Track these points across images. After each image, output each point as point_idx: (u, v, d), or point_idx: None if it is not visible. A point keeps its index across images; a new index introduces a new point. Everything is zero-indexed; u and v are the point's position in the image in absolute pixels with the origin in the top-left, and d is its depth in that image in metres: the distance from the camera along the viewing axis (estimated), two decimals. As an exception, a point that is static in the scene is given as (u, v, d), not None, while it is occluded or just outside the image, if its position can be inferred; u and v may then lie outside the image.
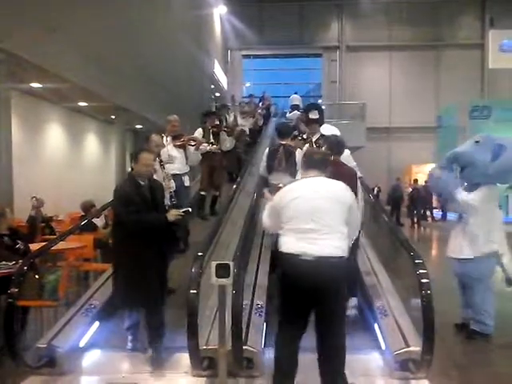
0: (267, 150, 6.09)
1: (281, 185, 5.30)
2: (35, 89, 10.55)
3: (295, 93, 17.27)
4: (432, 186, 5.79)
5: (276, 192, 3.52)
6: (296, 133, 6.97)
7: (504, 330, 4.79)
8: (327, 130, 5.96)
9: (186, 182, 6.16)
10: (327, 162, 3.55)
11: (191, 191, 7.03)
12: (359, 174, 4.94)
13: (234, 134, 9.15)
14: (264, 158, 5.99)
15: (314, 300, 3.10)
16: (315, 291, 3.06)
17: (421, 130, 24.80)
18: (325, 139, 5.29)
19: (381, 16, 26.26)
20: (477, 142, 4.79)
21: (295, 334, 3.22)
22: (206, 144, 7.33)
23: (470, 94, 23.74)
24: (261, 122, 13.04)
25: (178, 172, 5.94)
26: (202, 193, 7.92)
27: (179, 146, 6.17)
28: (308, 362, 3.28)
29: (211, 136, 7.82)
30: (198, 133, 7.61)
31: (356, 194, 4.06)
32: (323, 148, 4.94)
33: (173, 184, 5.16)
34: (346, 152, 5.01)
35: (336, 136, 5.13)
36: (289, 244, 3.15)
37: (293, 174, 5.19)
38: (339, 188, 3.32)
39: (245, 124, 11.30)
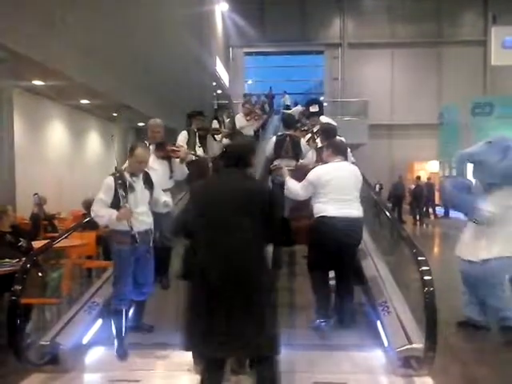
0: (274, 138, 6.69)
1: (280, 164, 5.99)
2: (37, 86, 10.55)
3: (285, 92, 18.19)
4: (446, 199, 5.64)
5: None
6: (299, 125, 7.70)
7: (507, 328, 4.77)
8: (323, 120, 6.59)
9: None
10: (346, 149, 4.82)
11: (174, 209, 6.01)
12: (352, 159, 5.64)
13: (221, 135, 8.36)
14: (272, 144, 6.58)
15: (344, 245, 4.26)
16: (348, 239, 4.28)
17: (423, 127, 24.75)
18: (319, 128, 5.91)
19: (383, 13, 26.20)
20: (489, 142, 4.75)
21: (326, 274, 4.46)
22: (193, 152, 6.62)
23: (473, 91, 23.68)
24: (260, 123, 12.39)
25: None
26: None
27: (162, 157, 5.28)
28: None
29: (197, 139, 6.92)
30: (183, 136, 6.79)
31: None
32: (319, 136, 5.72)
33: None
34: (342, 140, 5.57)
35: (328, 124, 5.83)
36: (330, 210, 4.21)
37: (298, 159, 6.17)
38: (355, 169, 4.55)
39: (247, 126, 9.64)
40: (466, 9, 26.06)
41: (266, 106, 16.05)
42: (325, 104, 20.63)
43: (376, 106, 23.56)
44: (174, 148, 5.42)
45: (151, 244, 4.23)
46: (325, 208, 4.25)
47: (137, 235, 3.94)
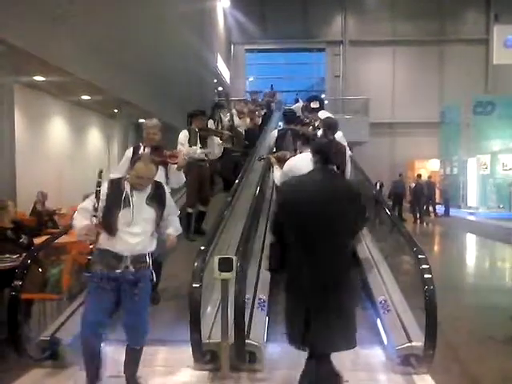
0: (276, 132, 6.97)
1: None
2: (38, 82, 10.53)
3: (271, 85, 19.13)
4: None
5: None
6: (302, 117, 7.97)
7: (506, 326, 4.79)
8: (324, 115, 6.75)
9: None
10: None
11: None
12: (349, 153, 5.83)
13: (223, 138, 7.94)
14: (273, 138, 6.86)
15: None
16: None
17: (424, 126, 24.70)
18: (321, 121, 6.14)
19: (384, 11, 26.14)
20: None
21: None
22: (200, 150, 6.58)
23: (474, 90, 23.60)
24: (259, 121, 11.78)
25: None
26: (189, 210, 6.75)
27: (158, 163, 4.47)
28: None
29: (198, 140, 6.67)
30: (184, 135, 6.56)
31: (345, 165, 5.12)
32: (320, 129, 5.92)
33: None
34: (340, 133, 5.84)
35: (330, 118, 6.07)
36: None
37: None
38: None
39: (240, 125, 9.83)
40: (468, 7, 25.98)
41: (273, 105, 16.07)
42: (326, 102, 20.61)
43: (377, 103, 23.50)
44: (172, 154, 5.04)
45: (145, 277, 3.41)
46: None
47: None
